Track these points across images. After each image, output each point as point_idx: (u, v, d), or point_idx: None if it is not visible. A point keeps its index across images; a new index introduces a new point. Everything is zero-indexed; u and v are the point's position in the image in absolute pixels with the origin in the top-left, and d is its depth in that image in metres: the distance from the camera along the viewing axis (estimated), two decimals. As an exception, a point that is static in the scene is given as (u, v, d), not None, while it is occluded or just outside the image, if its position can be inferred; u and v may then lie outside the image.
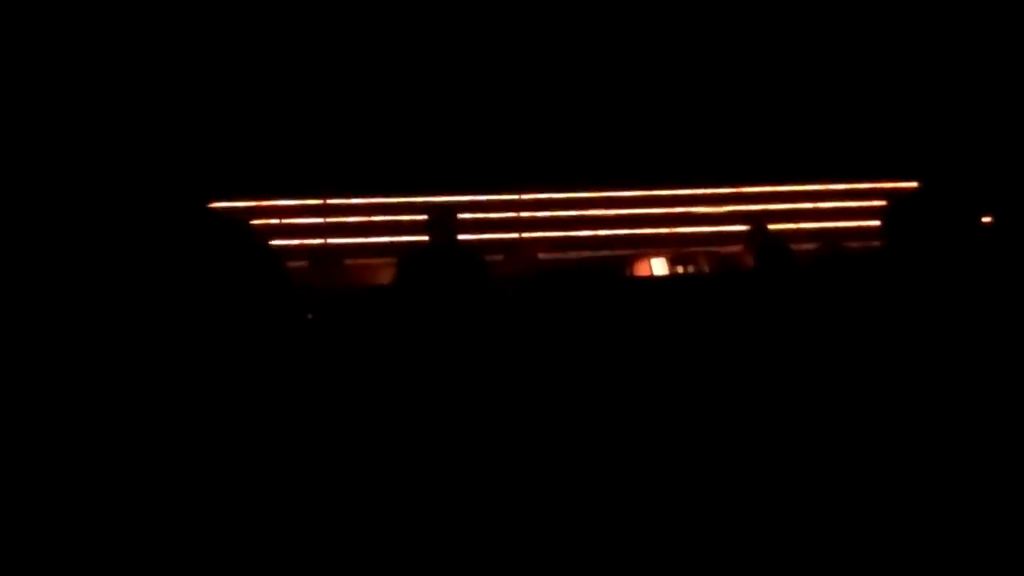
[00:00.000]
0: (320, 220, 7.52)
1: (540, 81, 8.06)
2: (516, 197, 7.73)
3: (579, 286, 3.83)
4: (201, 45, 7.48)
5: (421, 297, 3.89)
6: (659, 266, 7.35)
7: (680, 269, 7.36)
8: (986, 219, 3.16)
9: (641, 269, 7.30)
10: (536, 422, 3.13)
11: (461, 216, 4.73)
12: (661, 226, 7.82)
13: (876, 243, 4.57)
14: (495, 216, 7.67)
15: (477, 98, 7.96)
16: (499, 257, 6.46)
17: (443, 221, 4.54)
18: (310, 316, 3.86)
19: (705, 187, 7.97)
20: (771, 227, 6.56)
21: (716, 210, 7.95)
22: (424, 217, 4.74)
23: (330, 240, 7.44)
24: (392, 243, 7.26)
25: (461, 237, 4.52)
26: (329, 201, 7.58)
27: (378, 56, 7.87)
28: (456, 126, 7.85)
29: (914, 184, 7.61)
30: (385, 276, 5.97)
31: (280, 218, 7.43)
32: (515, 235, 7.60)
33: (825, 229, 7.72)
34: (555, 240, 7.65)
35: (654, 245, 7.66)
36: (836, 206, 8.08)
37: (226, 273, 2.29)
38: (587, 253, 7.58)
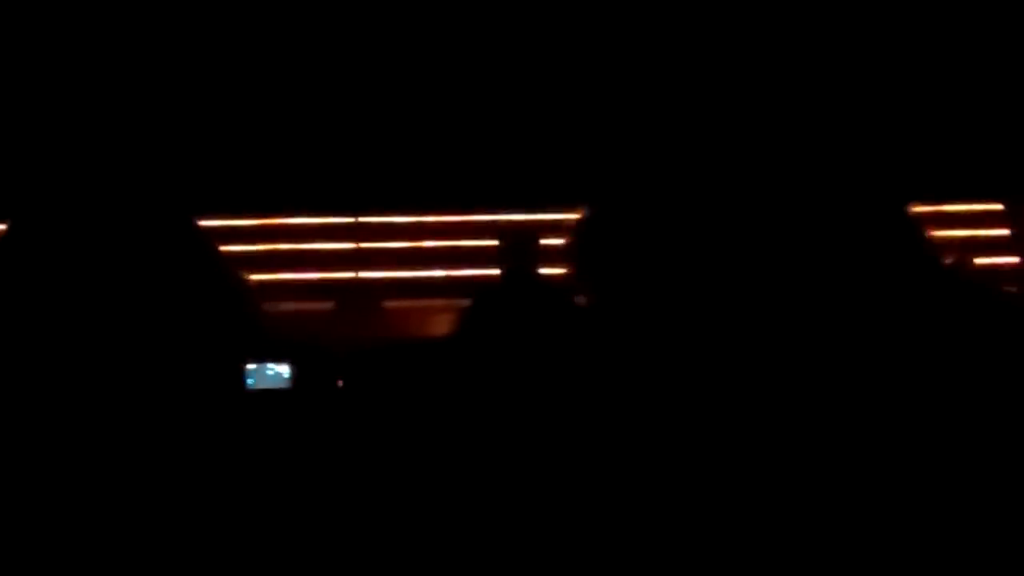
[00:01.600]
0: (351, 245, 7.57)
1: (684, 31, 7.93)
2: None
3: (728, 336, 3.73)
4: (211, 31, 7.66)
5: (490, 354, 3.85)
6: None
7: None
8: None
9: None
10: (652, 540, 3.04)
11: (545, 242, 4.72)
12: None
13: None
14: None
15: (570, 70, 7.87)
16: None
17: (523, 248, 4.54)
18: (340, 383, 3.86)
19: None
20: (977, 261, 6.39)
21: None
22: (496, 243, 4.74)
23: (362, 274, 7.49)
24: (449, 278, 7.30)
25: (544, 271, 4.51)
26: (363, 219, 7.62)
27: (434, 21, 7.87)
28: (541, 115, 7.79)
29: None
30: (439, 324, 5.97)
31: (297, 242, 7.51)
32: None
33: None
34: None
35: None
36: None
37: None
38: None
